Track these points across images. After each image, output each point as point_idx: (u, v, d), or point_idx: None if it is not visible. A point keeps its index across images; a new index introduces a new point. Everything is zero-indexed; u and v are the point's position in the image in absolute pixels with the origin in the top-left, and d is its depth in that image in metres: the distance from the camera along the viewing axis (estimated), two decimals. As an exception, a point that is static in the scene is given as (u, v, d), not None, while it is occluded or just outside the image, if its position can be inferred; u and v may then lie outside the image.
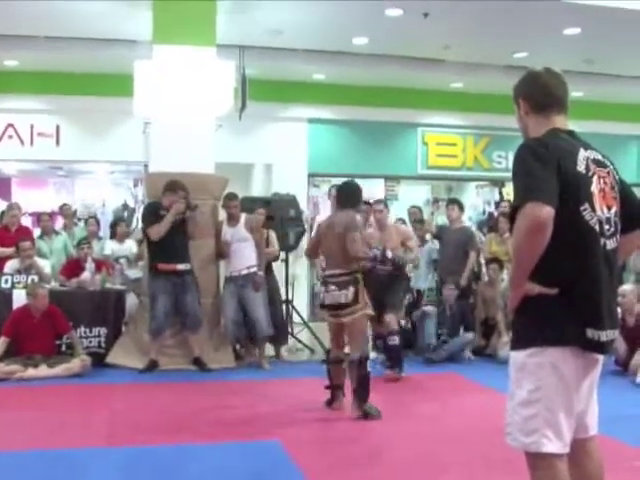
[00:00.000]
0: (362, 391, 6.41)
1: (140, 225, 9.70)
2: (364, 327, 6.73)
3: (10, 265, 9.12)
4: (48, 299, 8.38)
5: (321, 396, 6.83)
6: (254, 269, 8.72)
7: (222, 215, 9.06)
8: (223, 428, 6.22)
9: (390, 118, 13.67)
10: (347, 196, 6.77)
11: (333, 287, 6.43)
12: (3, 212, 10.65)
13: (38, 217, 11.12)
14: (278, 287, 9.56)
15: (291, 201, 10.47)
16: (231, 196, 8.95)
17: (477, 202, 15.17)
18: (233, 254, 8.76)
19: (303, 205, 12.63)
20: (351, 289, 6.38)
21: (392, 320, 8.09)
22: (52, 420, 6.43)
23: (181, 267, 8.36)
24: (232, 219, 8.86)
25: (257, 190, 13.55)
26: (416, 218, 10.82)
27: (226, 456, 5.43)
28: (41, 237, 10.30)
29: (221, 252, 8.91)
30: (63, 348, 8.62)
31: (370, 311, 6.61)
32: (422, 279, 10.33)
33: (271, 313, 8.95)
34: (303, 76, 12.92)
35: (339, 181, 11.20)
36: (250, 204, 9.63)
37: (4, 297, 8.67)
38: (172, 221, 8.26)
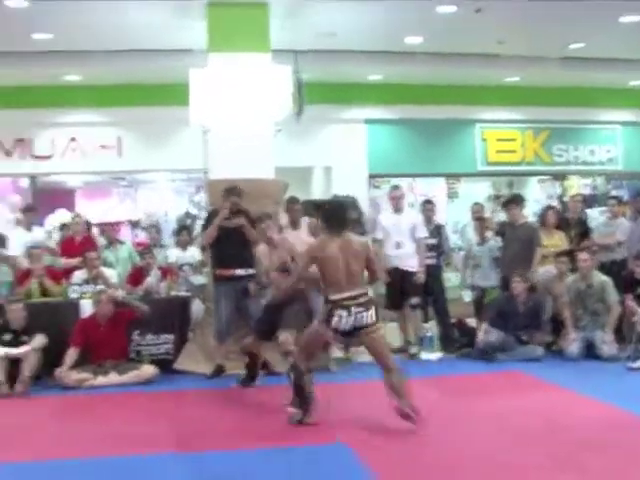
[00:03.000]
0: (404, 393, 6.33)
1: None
2: (385, 343, 6.71)
3: (78, 276, 9.31)
4: (112, 305, 8.56)
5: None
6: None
7: (284, 219, 9.09)
8: (291, 432, 6.24)
9: (448, 115, 13.57)
10: (336, 221, 6.54)
11: (359, 309, 6.26)
12: (65, 224, 10.87)
13: (102, 228, 11.33)
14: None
15: (351, 203, 10.47)
16: (292, 200, 8.99)
17: (539, 196, 14.96)
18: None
19: (364, 207, 12.65)
20: (373, 309, 6.34)
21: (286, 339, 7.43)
22: (122, 427, 6.55)
23: (240, 272, 8.36)
24: (294, 223, 8.89)
25: (317, 193, 13.57)
26: (479, 216, 10.74)
27: (294, 460, 5.45)
28: (107, 247, 10.48)
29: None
30: (132, 355, 8.78)
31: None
32: (485, 277, 10.26)
33: None
34: (359, 77, 12.92)
35: (399, 181, 11.25)
36: (311, 207, 9.66)
37: (73, 307, 8.86)
38: (219, 226, 8.30)
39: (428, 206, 10.57)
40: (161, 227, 11.83)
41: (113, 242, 10.59)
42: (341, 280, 6.31)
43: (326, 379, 8.21)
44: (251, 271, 8.33)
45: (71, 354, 8.32)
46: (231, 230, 8.29)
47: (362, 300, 6.28)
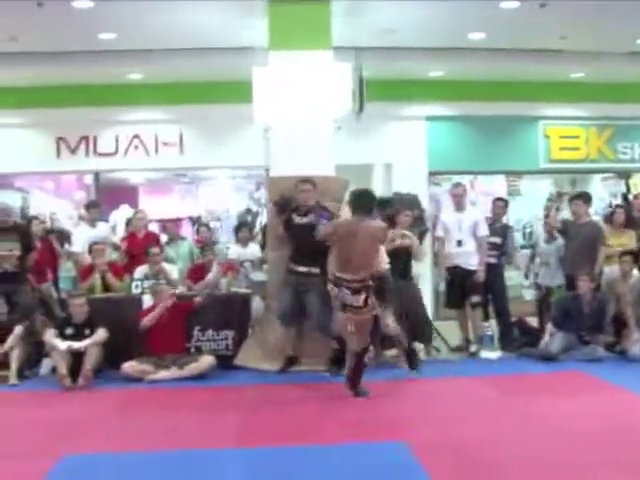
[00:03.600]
0: (354, 376, 7.25)
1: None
2: (368, 326, 7.28)
3: (140, 271, 9.44)
4: (172, 297, 8.73)
5: (450, 395, 6.80)
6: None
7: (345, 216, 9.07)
8: (349, 428, 6.23)
9: (510, 112, 13.39)
10: (361, 203, 7.30)
11: (347, 291, 7.08)
12: (130, 219, 11.01)
13: (164, 224, 11.46)
14: (417, 285, 9.56)
15: (412, 200, 10.43)
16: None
17: (603, 195, 14.71)
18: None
19: (425, 204, 12.58)
20: (363, 295, 7.05)
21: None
22: (183, 421, 6.62)
23: (302, 269, 8.41)
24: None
25: (378, 190, 13.52)
26: (548, 213, 10.64)
27: (351, 457, 5.43)
28: (168, 243, 10.60)
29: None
30: (192, 350, 8.88)
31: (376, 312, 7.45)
32: (552, 276, 10.13)
33: (413, 312, 8.99)
34: (420, 74, 12.83)
35: (460, 179, 11.15)
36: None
37: (135, 302, 8.98)
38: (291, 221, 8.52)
39: (498, 203, 10.45)
40: (212, 225, 11.88)
41: (174, 238, 10.71)
42: (345, 261, 7.09)
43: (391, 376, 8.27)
44: (315, 270, 8.35)
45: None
46: (303, 227, 8.35)
47: (353, 285, 7.04)
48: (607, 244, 9.80)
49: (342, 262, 7.14)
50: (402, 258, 9.04)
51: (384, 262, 7.96)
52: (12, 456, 5.74)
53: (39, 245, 9.78)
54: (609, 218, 10.47)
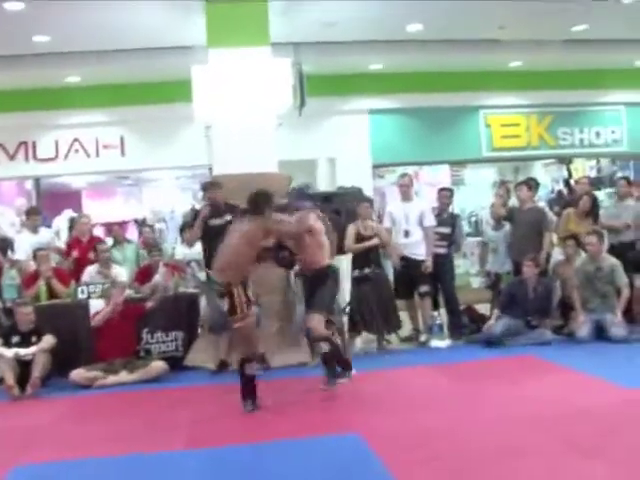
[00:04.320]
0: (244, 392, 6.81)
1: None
2: (245, 333, 6.97)
3: (89, 271, 9.33)
4: (123, 298, 8.67)
5: (402, 385, 6.81)
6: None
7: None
8: (301, 424, 6.23)
9: (451, 103, 13.49)
10: (249, 205, 7.02)
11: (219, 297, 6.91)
12: (73, 224, 10.88)
13: (109, 227, 11.35)
14: (387, 277, 9.61)
15: (356, 194, 10.42)
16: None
17: (545, 181, 14.91)
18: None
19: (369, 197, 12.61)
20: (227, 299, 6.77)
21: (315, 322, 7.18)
22: (134, 425, 6.56)
23: None
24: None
25: (322, 185, 13.55)
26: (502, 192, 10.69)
27: (306, 452, 5.42)
28: (114, 246, 10.49)
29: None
30: (142, 353, 8.79)
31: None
32: (501, 262, 10.23)
33: (386, 302, 9.14)
34: (360, 67, 12.87)
35: (404, 170, 11.21)
36: (317, 199, 9.62)
37: (81, 308, 8.85)
38: (206, 224, 8.66)
39: (444, 193, 10.52)
40: (157, 226, 11.81)
41: (120, 241, 10.61)
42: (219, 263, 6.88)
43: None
44: None
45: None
46: (219, 228, 8.26)
47: (220, 289, 6.79)
48: (568, 229, 9.92)
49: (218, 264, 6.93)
50: (372, 250, 9.28)
51: (326, 256, 7.43)
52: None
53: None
54: (574, 204, 10.45)
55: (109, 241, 10.85)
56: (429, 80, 13.28)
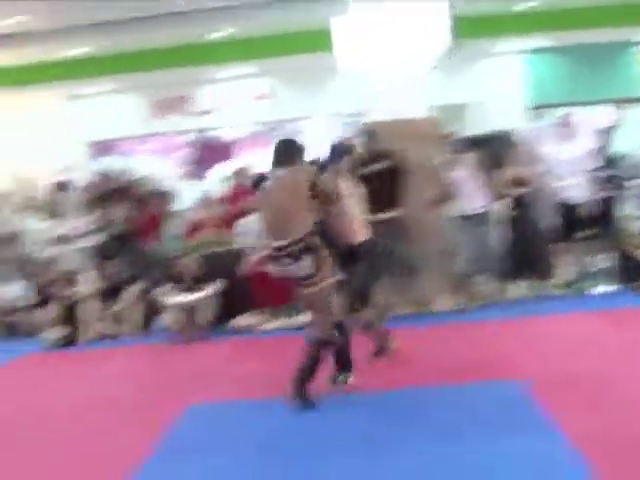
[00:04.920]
0: (304, 377, 5.64)
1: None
2: (323, 303, 5.64)
3: (248, 220, 9.59)
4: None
5: (564, 332, 6.67)
6: (483, 208, 8.64)
7: (441, 157, 9.01)
8: (464, 370, 6.20)
9: (610, 38, 12.95)
10: (276, 155, 5.74)
11: (289, 260, 5.53)
12: (232, 174, 11.14)
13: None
14: (536, 220, 9.45)
15: (507, 138, 10.23)
16: (449, 137, 8.88)
17: None
18: (460, 194, 8.71)
19: (524, 139, 12.33)
20: (308, 259, 5.49)
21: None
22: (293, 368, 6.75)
23: (382, 216, 8.42)
24: (453, 160, 8.79)
25: (472, 130, 13.34)
26: None
27: (467, 398, 5.43)
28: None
29: (443, 194, 8.87)
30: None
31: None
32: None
33: (528, 246, 8.92)
34: (513, 7, 12.53)
35: (562, 111, 10.84)
36: (468, 143, 9.53)
37: (242, 256, 9.11)
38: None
39: (604, 134, 10.16)
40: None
41: None
42: (272, 228, 5.66)
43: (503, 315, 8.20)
44: (393, 213, 8.38)
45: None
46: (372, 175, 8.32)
47: (291, 249, 5.47)
48: None
49: (270, 229, 5.68)
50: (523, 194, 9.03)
51: (357, 230, 6.20)
52: (137, 407, 6.02)
53: (146, 206, 10.06)
54: None
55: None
56: (587, 16, 12.76)
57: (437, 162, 8.91)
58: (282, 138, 6.09)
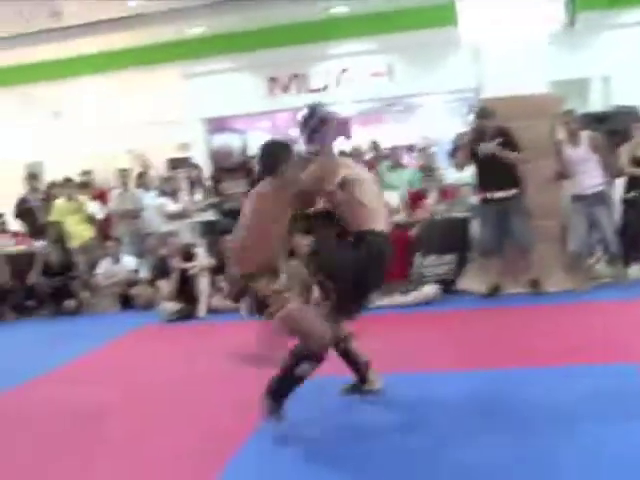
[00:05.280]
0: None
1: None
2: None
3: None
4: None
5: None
6: (601, 187, 8.38)
7: (561, 135, 8.78)
8: (576, 351, 6.02)
9: None
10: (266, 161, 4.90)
11: None
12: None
13: (388, 151, 11.50)
14: None
15: (632, 113, 9.87)
16: (569, 114, 8.64)
17: None
18: (577, 173, 8.47)
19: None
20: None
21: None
22: (406, 345, 6.73)
23: (500, 195, 8.29)
24: (572, 138, 8.55)
25: (595, 106, 12.93)
26: None
27: (576, 379, 5.29)
28: (391, 169, 10.66)
29: (562, 172, 8.65)
30: (414, 277, 8.95)
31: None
32: None
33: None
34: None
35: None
36: (590, 120, 9.25)
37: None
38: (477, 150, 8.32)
39: None
40: (434, 150, 11.80)
41: (397, 165, 10.72)
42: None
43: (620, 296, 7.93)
44: (513, 192, 8.26)
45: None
46: (488, 153, 8.21)
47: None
48: None
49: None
50: None
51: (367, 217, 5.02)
52: (250, 379, 6.08)
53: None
54: None
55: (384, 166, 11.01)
56: None
57: (556, 139, 8.70)
58: (267, 142, 5.14)
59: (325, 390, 5.34)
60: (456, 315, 7.97)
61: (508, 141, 8.25)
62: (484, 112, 8.42)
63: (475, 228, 9.10)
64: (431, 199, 9.44)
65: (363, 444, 4.50)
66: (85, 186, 11.92)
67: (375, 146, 11.26)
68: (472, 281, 8.78)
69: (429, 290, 8.59)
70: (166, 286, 9.35)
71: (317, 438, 4.75)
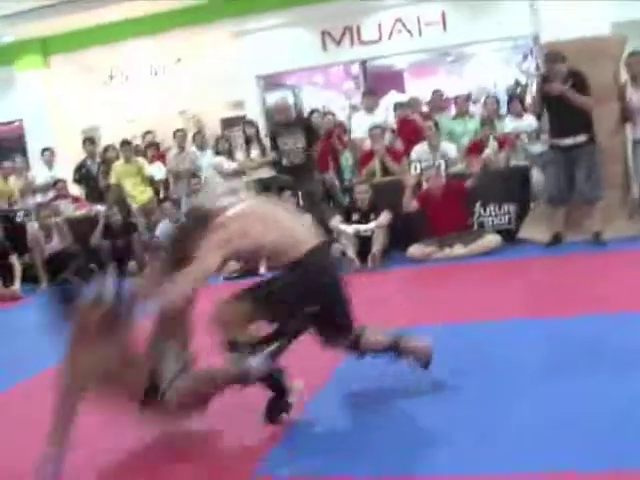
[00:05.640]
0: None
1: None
2: None
3: (418, 149, 9.50)
4: (443, 178, 8.77)
5: None
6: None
7: (625, 77, 8.56)
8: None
9: None
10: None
11: None
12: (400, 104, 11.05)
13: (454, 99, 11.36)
14: None
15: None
16: (634, 54, 8.40)
17: None
18: (640, 117, 8.26)
19: None
20: None
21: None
22: (470, 295, 6.70)
23: (568, 142, 8.09)
24: (636, 80, 8.33)
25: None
26: None
27: None
28: (455, 118, 10.55)
29: (626, 116, 8.45)
30: (475, 227, 8.88)
31: None
32: None
33: None
34: None
35: None
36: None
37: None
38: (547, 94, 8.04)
39: None
40: (498, 98, 11.59)
41: (463, 114, 10.55)
42: None
43: None
44: (585, 138, 8.03)
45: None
46: (559, 97, 7.98)
47: None
48: None
49: None
50: None
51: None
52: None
53: (321, 137, 10.16)
54: None
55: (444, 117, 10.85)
56: None
57: (619, 82, 8.48)
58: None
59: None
60: (519, 264, 7.89)
61: (579, 84, 7.98)
62: (554, 56, 8.12)
63: (536, 177, 8.98)
64: (490, 148, 9.31)
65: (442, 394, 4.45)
66: (152, 145, 12.01)
67: (436, 96, 11.06)
68: (534, 230, 8.66)
69: (490, 240, 8.51)
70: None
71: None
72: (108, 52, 14.12)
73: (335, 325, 4.34)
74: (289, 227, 4.24)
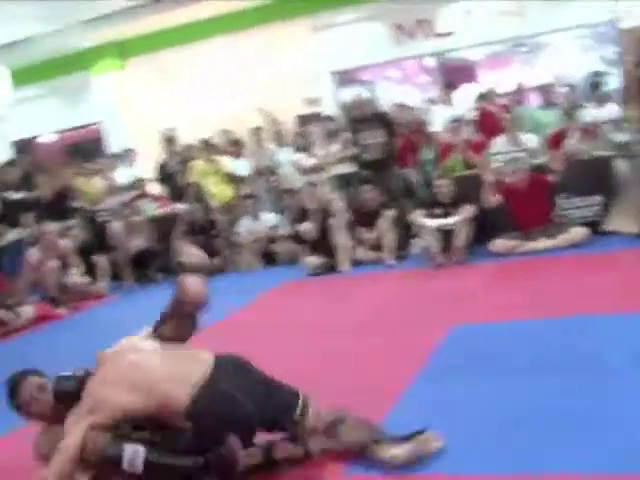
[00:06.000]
0: None
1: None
2: None
3: (499, 141, 9.39)
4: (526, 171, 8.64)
5: None
6: None
7: None
8: None
9: None
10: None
11: None
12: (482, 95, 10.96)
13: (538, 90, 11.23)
14: None
15: None
16: None
17: None
18: None
19: None
20: None
21: None
22: (558, 289, 6.60)
23: None
24: None
25: None
26: None
27: None
28: (542, 108, 10.43)
29: None
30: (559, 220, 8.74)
31: None
32: None
33: None
34: None
35: None
36: None
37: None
38: None
39: None
40: (576, 87, 11.40)
41: (550, 105, 10.43)
42: None
43: None
44: None
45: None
46: None
47: None
48: None
49: None
50: None
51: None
52: (401, 329, 6.13)
53: (400, 132, 10.14)
54: None
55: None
56: None
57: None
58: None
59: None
60: (608, 257, 7.72)
61: None
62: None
63: (620, 166, 8.80)
64: (573, 139, 9.15)
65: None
66: (236, 144, 12.10)
67: (518, 89, 10.95)
68: (622, 221, 8.49)
69: (577, 232, 8.37)
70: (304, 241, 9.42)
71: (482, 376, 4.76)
72: (183, 52, 14.30)
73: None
74: (163, 384, 3.64)
